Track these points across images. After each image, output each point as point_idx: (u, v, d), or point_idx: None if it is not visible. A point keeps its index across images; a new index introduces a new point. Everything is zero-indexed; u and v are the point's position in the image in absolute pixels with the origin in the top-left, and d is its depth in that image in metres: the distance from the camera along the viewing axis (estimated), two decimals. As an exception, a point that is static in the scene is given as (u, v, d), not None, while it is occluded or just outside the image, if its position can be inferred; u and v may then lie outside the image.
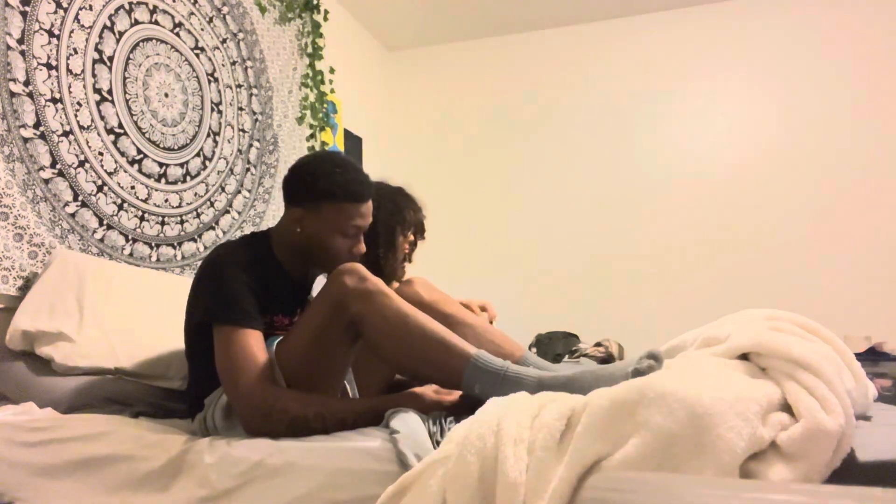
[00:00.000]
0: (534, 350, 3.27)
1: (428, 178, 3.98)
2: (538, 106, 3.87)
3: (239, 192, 2.64)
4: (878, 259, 3.21)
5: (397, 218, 1.87)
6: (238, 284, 1.32)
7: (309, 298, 1.63)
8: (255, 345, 1.28)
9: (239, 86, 2.68)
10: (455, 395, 1.37)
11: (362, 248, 1.48)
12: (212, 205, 2.48)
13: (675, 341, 1.36)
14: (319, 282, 1.63)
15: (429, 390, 1.37)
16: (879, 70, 3.29)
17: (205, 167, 2.45)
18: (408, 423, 1.12)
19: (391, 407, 1.25)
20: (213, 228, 2.48)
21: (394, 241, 1.86)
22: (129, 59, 2.14)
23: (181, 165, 2.34)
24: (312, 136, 3.17)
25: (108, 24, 2.07)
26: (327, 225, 1.42)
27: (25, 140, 1.78)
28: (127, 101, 2.12)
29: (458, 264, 3.84)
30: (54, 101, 1.87)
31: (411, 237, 1.97)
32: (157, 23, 2.26)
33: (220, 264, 1.36)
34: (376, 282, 1.29)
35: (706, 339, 1.22)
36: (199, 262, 1.63)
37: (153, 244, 2.19)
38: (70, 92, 1.92)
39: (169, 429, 1.38)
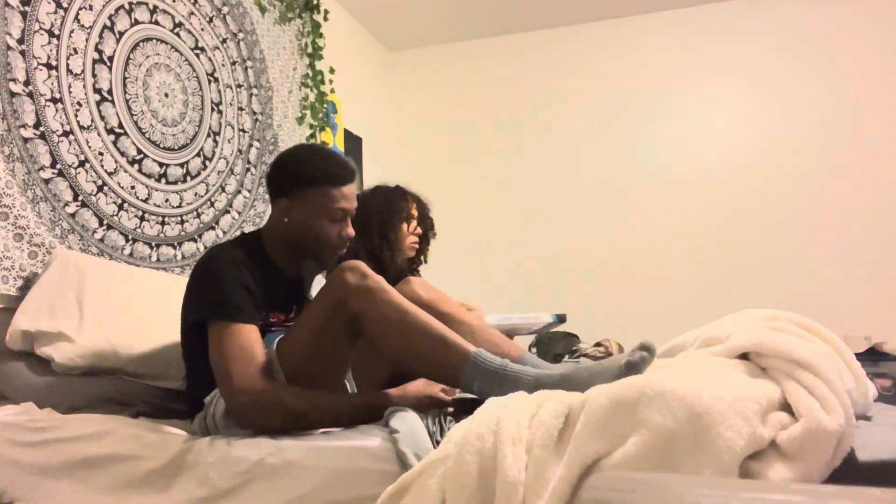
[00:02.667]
0: (534, 350, 3.26)
1: (428, 177, 3.97)
2: (538, 106, 3.87)
3: (239, 192, 2.64)
4: (878, 259, 3.21)
5: (388, 209, 1.92)
6: (231, 282, 1.33)
7: (308, 297, 1.64)
8: (249, 339, 1.29)
9: (239, 86, 2.68)
10: (452, 392, 1.38)
11: (351, 231, 1.50)
12: (212, 205, 2.48)
13: (675, 341, 1.36)
14: (319, 281, 1.63)
15: (421, 384, 1.40)
16: (879, 70, 3.29)
17: (205, 167, 2.45)
18: (407, 423, 1.12)
19: (387, 401, 1.25)
20: (213, 228, 2.48)
21: (387, 234, 1.89)
22: (129, 59, 2.14)
23: (181, 165, 2.34)
24: (312, 136, 3.17)
25: (108, 24, 2.07)
26: (314, 210, 1.44)
27: (25, 140, 1.78)
28: (127, 101, 2.12)
29: (458, 264, 3.84)
30: (54, 101, 1.87)
31: (416, 230, 1.99)
32: (157, 23, 2.26)
33: (212, 264, 1.37)
34: (377, 279, 1.30)
35: (706, 339, 1.22)
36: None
37: (153, 244, 2.19)
38: (70, 92, 1.92)
39: (169, 429, 1.38)
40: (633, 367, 1.13)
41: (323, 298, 1.31)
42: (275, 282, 1.48)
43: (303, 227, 1.45)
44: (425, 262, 2.12)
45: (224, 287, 1.32)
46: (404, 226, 1.98)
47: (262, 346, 1.31)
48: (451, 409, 1.28)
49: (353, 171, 1.48)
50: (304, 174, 1.43)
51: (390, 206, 1.94)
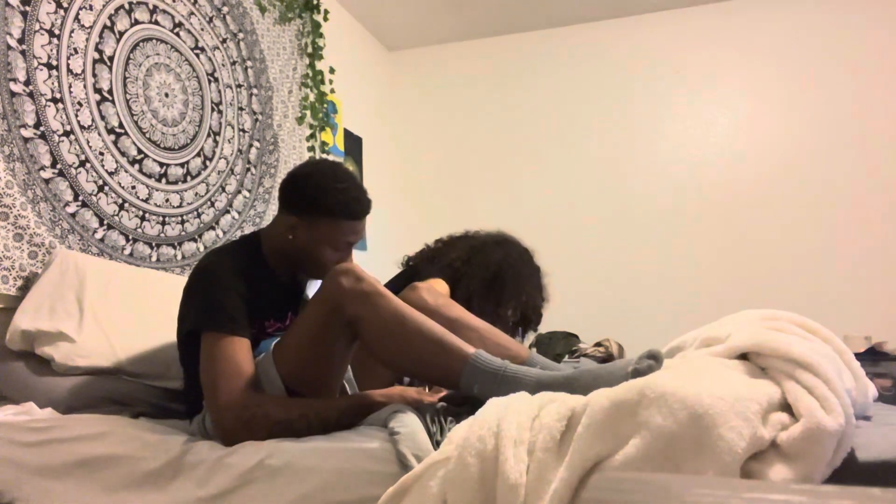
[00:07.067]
0: (534, 350, 3.26)
1: (428, 178, 3.98)
2: (537, 106, 3.87)
3: (239, 191, 2.64)
4: (878, 259, 3.21)
5: (517, 290, 1.92)
6: (226, 292, 1.32)
7: (305, 297, 1.64)
8: (239, 353, 1.28)
9: (239, 86, 2.68)
10: (439, 393, 1.39)
11: (351, 260, 1.49)
12: (212, 205, 2.48)
13: (676, 341, 1.36)
14: (315, 283, 1.63)
15: (412, 390, 1.40)
16: (880, 70, 3.29)
17: (205, 167, 2.45)
18: (407, 424, 1.12)
19: (372, 400, 1.26)
20: (213, 228, 2.48)
21: (502, 302, 1.90)
22: (129, 58, 2.14)
23: (182, 165, 2.33)
24: (312, 136, 3.17)
25: (109, 24, 2.07)
26: (320, 238, 1.44)
27: (26, 140, 1.78)
28: (127, 100, 2.12)
29: (459, 264, 3.83)
30: (55, 100, 1.87)
31: (519, 315, 1.96)
32: (157, 23, 2.26)
33: (208, 272, 1.36)
34: (373, 282, 1.29)
35: (706, 339, 1.22)
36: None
37: (154, 244, 2.19)
38: (70, 92, 1.92)
39: (169, 429, 1.38)
40: (639, 376, 1.13)
41: (318, 302, 1.30)
42: (271, 289, 1.48)
43: (306, 248, 1.45)
44: (520, 335, 2.08)
45: (219, 297, 1.31)
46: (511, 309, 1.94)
47: (251, 359, 1.30)
48: (451, 409, 1.28)
49: (369, 203, 1.47)
50: (320, 203, 1.41)
51: (518, 288, 1.90)
